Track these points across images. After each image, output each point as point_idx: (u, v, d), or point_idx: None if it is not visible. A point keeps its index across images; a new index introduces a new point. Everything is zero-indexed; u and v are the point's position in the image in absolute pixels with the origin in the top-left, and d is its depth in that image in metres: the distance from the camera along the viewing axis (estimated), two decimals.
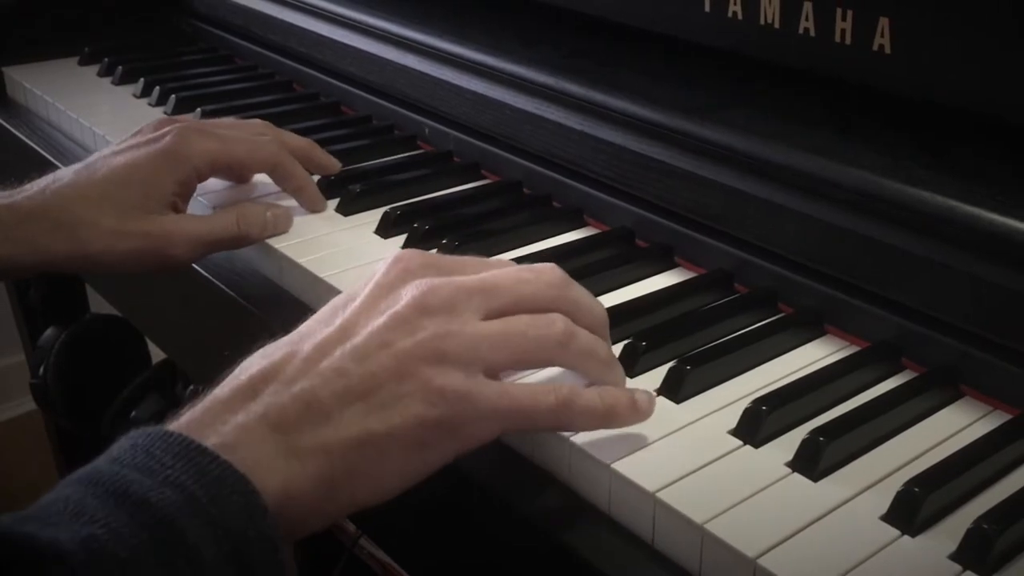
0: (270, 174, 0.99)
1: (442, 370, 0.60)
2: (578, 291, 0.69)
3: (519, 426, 0.64)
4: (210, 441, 0.56)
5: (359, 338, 0.61)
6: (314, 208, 0.99)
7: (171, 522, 0.51)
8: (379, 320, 0.62)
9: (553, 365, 0.68)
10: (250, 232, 0.92)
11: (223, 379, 0.62)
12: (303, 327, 0.64)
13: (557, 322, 0.65)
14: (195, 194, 0.95)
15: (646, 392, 0.67)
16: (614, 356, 0.69)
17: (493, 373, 0.63)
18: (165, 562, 0.50)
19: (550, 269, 0.68)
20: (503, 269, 0.68)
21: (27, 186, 0.89)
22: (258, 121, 1.02)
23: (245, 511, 0.54)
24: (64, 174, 0.89)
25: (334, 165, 1.05)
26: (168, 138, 0.90)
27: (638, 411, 0.66)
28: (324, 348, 0.61)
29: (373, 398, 0.59)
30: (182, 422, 0.58)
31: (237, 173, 1.00)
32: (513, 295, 0.65)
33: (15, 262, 0.87)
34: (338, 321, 0.63)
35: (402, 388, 0.59)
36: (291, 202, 0.99)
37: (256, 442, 0.57)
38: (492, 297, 0.64)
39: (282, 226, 0.95)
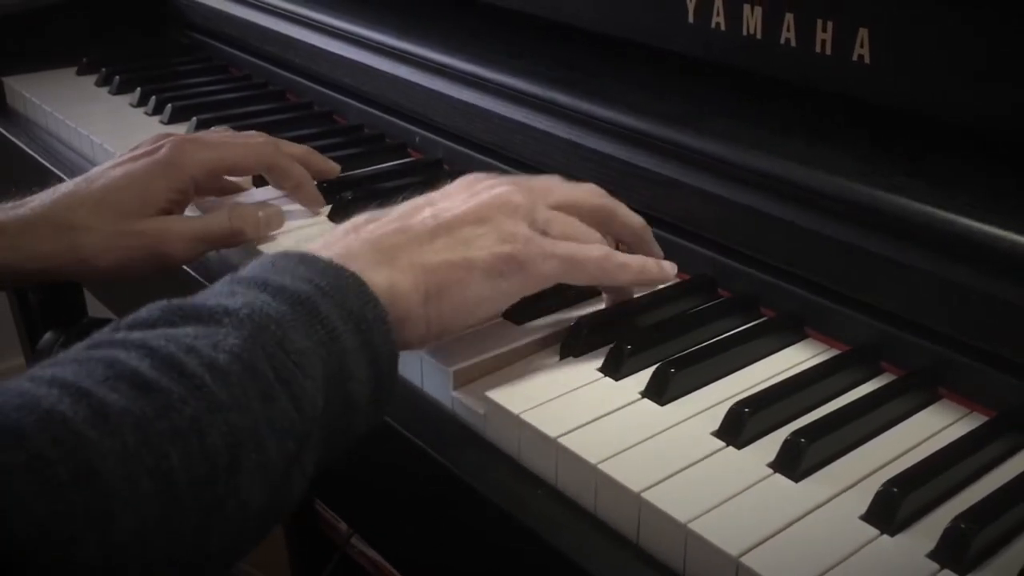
0: (267, 175, 0.99)
1: (513, 220, 0.72)
2: (624, 209, 0.82)
3: (574, 269, 0.74)
4: (325, 255, 0.66)
5: (441, 207, 0.73)
6: (313, 206, 1.00)
7: (306, 299, 0.61)
8: (461, 201, 0.74)
9: (596, 282, 0.79)
10: (243, 228, 0.92)
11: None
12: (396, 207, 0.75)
13: (598, 247, 0.76)
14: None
15: (670, 262, 0.81)
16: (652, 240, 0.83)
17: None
18: (308, 326, 0.60)
19: (599, 191, 0.82)
20: (567, 187, 0.80)
21: (28, 198, 0.89)
22: (255, 132, 1.02)
23: (361, 298, 0.64)
24: (64, 186, 0.90)
25: (333, 169, 1.05)
26: (164, 149, 0.91)
27: (664, 271, 0.80)
28: (416, 208, 0.73)
29: (458, 234, 0.71)
30: (299, 249, 0.67)
31: (234, 179, 1.00)
32: (567, 199, 0.78)
33: (17, 269, 0.87)
34: (422, 201, 0.75)
35: (481, 228, 0.71)
36: (285, 204, 0.99)
37: (362, 256, 0.68)
38: (549, 194, 0.78)
39: (274, 224, 0.95)
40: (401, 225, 0.71)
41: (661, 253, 0.83)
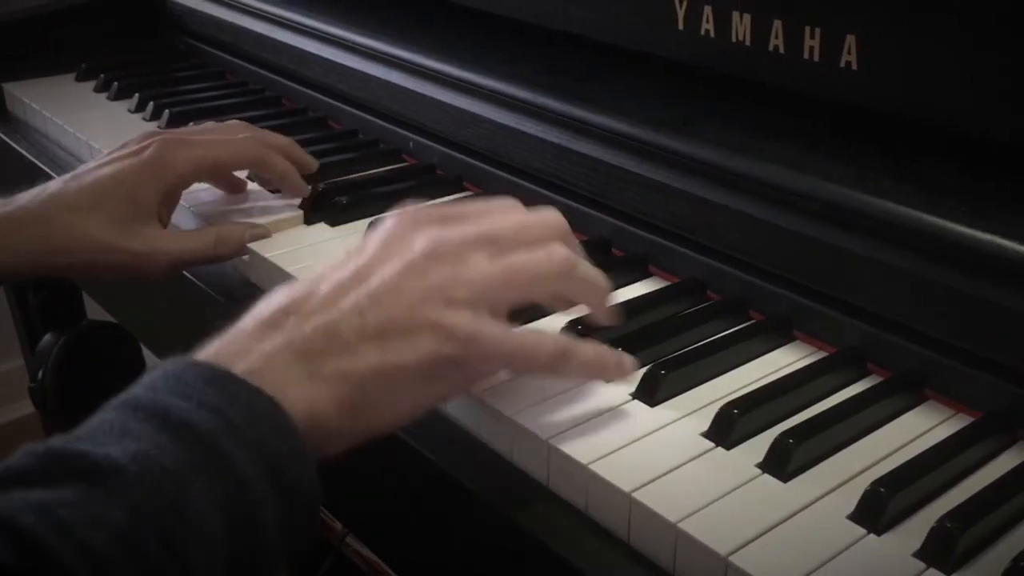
0: (253, 169, 0.99)
1: (451, 311, 0.62)
2: (573, 237, 0.72)
3: (519, 367, 0.67)
4: (238, 368, 0.58)
5: (374, 282, 0.63)
6: (298, 195, 1.00)
7: (211, 441, 0.53)
8: (392, 266, 0.64)
9: (559, 295, 0.72)
10: (227, 253, 0.93)
11: (244, 314, 0.64)
12: (318, 272, 0.66)
13: (558, 251, 0.67)
14: (181, 202, 0.96)
15: (631, 357, 0.71)
16: (610, 285, 0.72)
17: (501, 312, 0.65)
18: (210, 476, 0.52)
19: (551, 213, 0.71)
20: (506, 215, 0.69)
21: (17, 196, 0.89)
22: (236, 121, 1.03)
23: (276, 430, 0.56)
24: (53, 185, 0.89)
25: (312, 163, 1.04)
26: (151, 149, 0.91)
27: (623, 371, 0.70)
28: (341, 288, 0.63)
29: (388, 335, 0.61)
30: (209, 352, 0.60)
31: (222, 174, 1.00)
32: (516, 240, 0.67)
33: (8, 269, 0.87)
34: (352, 266, 0.65)
35: (414, 326, 0.62)
36: (270, 217, 0.98)
37: (281, 369, 0.59)
38: (496, 243, 0.66)
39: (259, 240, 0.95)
40: (327, 324, 0.61)
41: (615, 318, 0.75)
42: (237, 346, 0.61)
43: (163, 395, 0.55)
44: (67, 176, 0.91)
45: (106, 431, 0.52)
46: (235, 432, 0.54)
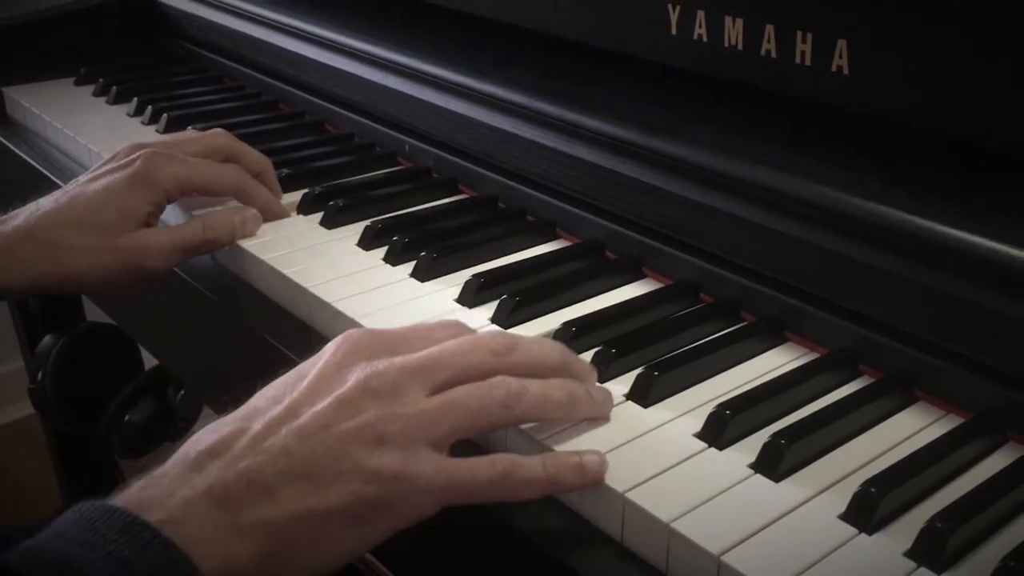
0: (235, 197, 0.99)
1: (379, 451, 0.59)
2: (524, 352, 0.67)
3: (457, 501, 0.62)
4: (154, 516, 0.55)
5: (304, 418, 0.60)
6: (276, 218, 1.00)
7: None
8: (324, 402, 0.61)
9: (504, 427, 0.67)
10: (217, 236, 0.93)
11: (173, 452, 0.60)
12: (253, 402, 0.63)
13: (499, 386, 0.63)
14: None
15: (595, 453, 0.64)
16: (574, 393, 0.67)
17: (441, 446, 0.62)
18: None
19: (492, 336, 0.67)
20: (446, 343, 0.65)
21: (11, 214, 0.90)
22: (218, 131, 1.03)
23: None
24: (45, 202, 0.90)
25: (279, 191, 1.03)
26: (138, 163, 0.91)
27: (585, 475, 0.63)
28: (271, 427, 0.60)
29: (313, 477, 0.58)
30: (129, 495, 0.57)
31: (205, 195, 1.00)
32: (456, 368, 0.64)
33: (4, 286, 0.88)
34: (287, 400, 0.62)
35: (340, 467, 0.58)
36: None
37: (199, 518, 0.56)
38: (435, 373, 0.63)
39: (251, 227, 0.95)
40: (249, 469, 0.58)
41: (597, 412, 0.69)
42: (159, 490, 0.57)
43: (71, 544, 0.53)
44: (58, 193, 0.92)
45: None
46: None
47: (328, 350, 0.65)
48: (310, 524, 0.58)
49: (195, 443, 0.60)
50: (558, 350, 0.69)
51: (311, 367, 0.64)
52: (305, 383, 0.63)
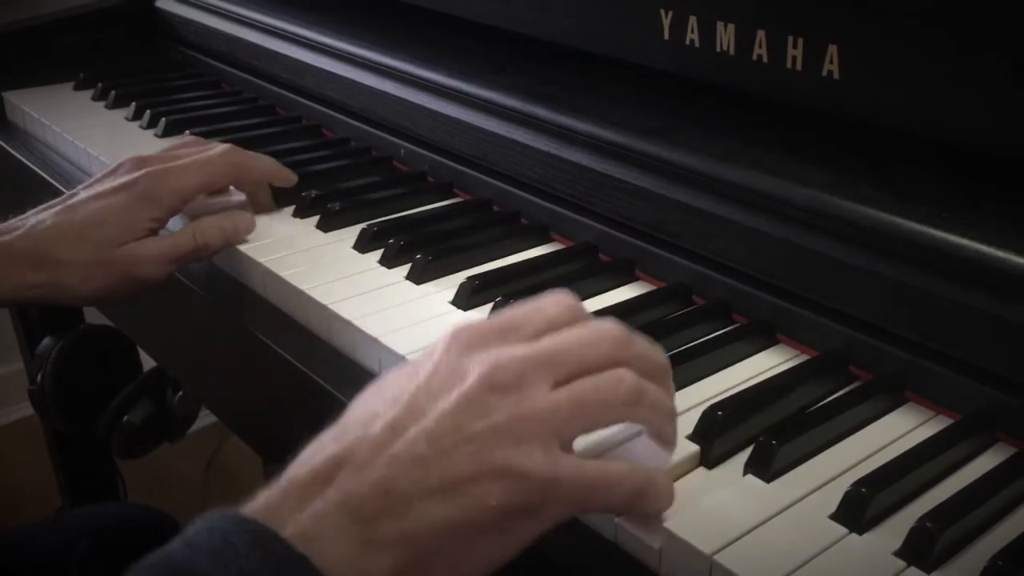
0: (235, 177, 0.99)
1: (521, 452, 0.54)
2: (641, 345, 0.62)
3: (595, 507, 0.59)
4: (287, 530, 0.51)
5: (430, 421, 0.55)
6: (263, 211, 1.01)
7: None
8: (448, 401, 0.55)
9: (624, 422, 0.63)
10: (209, 242, 0.92)
11: (296, 458, 0.56)
12: (365, 400, 0.58)
13: (625, 379, 0.59)
14: None
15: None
16: (673, 404, 0.63)
17: (569, 444, 0.58)
18: None
19: (612, 328, 0.61)
20: (568, 335, 0.60)
21: (11, 223, 0.90)
22: (222, 147, 1.00)
23: None
24: (46, 216, 0.90)
25: (291, 177, 1.04)
26: (141, 183, 0.91)
27: (668, 502, 0.61)
28: (395, 430, 0.55)
29: (453, 486, 0.53)
30: (259, 505, 0.53)
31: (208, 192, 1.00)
32: (581, 361, 0.59)
33: (6, 298, 0.89)
34: (405, 399, 0.56)
35: (482, 474, 0.53)
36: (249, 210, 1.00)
37: (334, 533, 0.51)
38: (559, 367, 0.58)
39: (243, 230, 0.95)
40: (384, 480, 0.53)
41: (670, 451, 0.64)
42: (289, 501, 0.53)
43: (201, 555, 0.49)
44: (60, 207, 0.91)
45: None
46: None
47: (440, 346, 0.59)
48: (452, 536, 0.53)
49: (318, 450, 0.55)
50: (662, 350, 0.64)
51: (426, 362, 0.59)
52: (420, 379, 0.57)
